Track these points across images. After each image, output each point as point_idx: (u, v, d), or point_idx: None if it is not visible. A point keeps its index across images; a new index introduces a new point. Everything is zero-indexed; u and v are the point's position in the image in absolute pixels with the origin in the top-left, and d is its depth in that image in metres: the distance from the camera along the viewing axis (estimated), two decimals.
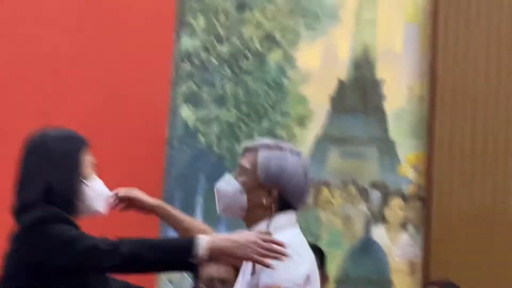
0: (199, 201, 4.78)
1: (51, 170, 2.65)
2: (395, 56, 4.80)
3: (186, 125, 4.88)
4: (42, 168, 2.66)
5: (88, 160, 2.76)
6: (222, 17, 4.86)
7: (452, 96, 4.61)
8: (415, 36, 4.80)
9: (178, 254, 2.50)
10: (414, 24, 4.81)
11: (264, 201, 2.76)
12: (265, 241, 2.59)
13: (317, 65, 4.84)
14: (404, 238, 4.76)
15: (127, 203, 2.90)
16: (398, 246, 4.74)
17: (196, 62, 4.86)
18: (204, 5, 4.88)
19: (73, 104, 4.60)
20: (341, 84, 4.83)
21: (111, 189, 2.83)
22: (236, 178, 2.83)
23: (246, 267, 2.75)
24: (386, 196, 4.79)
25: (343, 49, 4.83)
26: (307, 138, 4.77)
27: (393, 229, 4.77)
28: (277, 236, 2.69)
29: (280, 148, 2.81)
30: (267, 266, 2.54)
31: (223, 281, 3.84)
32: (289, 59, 4.85)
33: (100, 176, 2.79)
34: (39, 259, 2.59)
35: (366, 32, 4.84)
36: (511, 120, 4.59)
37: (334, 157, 4.81)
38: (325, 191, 4.76)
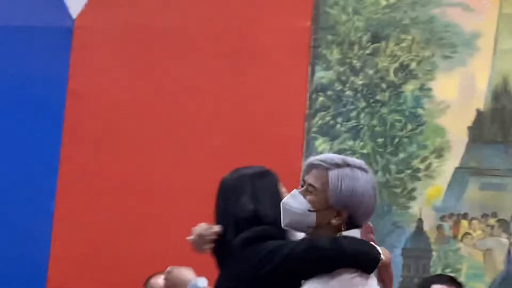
0: None
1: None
2: None
3: None
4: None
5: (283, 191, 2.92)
6: (356, 49, 4.85)
7: None
8: None
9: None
10: None
11: (334, 221, 2.72)
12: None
13: (455, 96, 4.81)
14: None
15: None
16: None
17: (331, 94, 4.87)
18: (338, 36, 4.90)
19: (209, 138, 4.76)
20: (480, 115, 4.77)
21: None
22: (304, 196, 2.78)
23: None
24: None
25: (481, 79, 4.77)
26: (446, 169, 4.73)
27: None
28: None
29: (350, 166, 2.75)
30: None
31: None
32: (425, 90, 4.82)
33: None
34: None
35: (505, 61, 4.76)
36: None
37: (473, 189, 4.73)
38: (464, 224, 4.67)
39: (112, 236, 4.86)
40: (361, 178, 2.75)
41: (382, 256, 2.72)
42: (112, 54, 5.08)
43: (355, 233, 2.77)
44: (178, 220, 4.38)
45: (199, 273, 2.99)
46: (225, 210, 2.97)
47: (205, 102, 4.94)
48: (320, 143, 4.87)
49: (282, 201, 2.84)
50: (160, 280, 4.18)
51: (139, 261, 4.68)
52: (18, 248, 5.11)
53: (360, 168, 2.77)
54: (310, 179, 2.78)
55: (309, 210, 2.76)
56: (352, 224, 2.76)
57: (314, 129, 4.92)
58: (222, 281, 2.89)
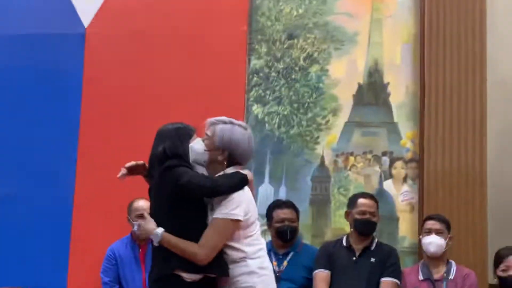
0: (267, 168, 5.25)
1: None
2: (396, 67, 5.23)
3: (256, 118, 5.31)
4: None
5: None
6: (278, 44, 5.35)
7: (436, 93, 5.07)
8: (409, 52, 5.20)
9: None
10: (408, 44, 5.23)
11: (219, 158, 3.42)
12: None
13: (343, 74, 5.28)
14: (406, 188, 5.15)
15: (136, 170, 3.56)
16: (401, 194, 5.12)
17: (262, 75, 5.34)
18: (265, 36, 5.37)
19: (185, 113, 4.76)
20: (360, 86, 5.30)
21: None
22: (203, 141, 3.44)
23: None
24: (392, 160, 5.21)
25: (361, 63, 5.23)
26: (338, 123, 5.25)
27: (397, 182, 5.17)
28: None
29: (232, 123, 3.43)
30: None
31: (291, 220, 4.66)
32: (324, 71, 5.31)
33: None
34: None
35: (376, 50, 5.27)
36: None
37: (357, 136, 5.21)
38: (351, 159, 5.20)
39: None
40: (238, 131, 3.42)
41: (248, 176, 3.34)
42: (118, 53, 5.36)
43: (236, 168, 3.37)
44: None
45: None
46: (151, 152, 3.50)
47: (178, 85, 5.27)
48: (256, 108, 5.28)
49: (190, 144, 3.42)
50: (141, 202, 4.58)
51: None
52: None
53: (240, 125, 3.44)
54: (207, 130, 3.45)
55: (204, 150, 3.44)
56: (234, 161, 3.43)
57: (251, 99, 5.30)
58: (153, 200, 3.46)
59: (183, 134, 3.42)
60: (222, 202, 3.31)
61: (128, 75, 5.32)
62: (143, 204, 4.59)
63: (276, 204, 4.62)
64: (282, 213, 4.52)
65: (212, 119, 3.44)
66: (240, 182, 3.33)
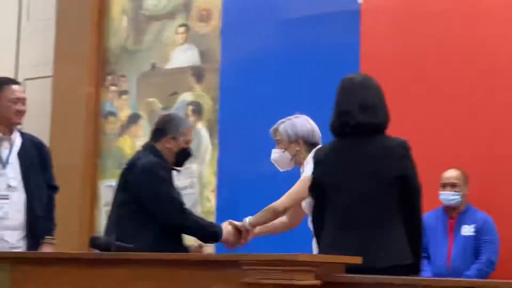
0: None
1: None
2: None
3: None
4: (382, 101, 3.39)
5: None
6: None
7: None
8: None
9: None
10: None
11: (297, 149, 3.92)
12: None
13: None
14: None
15: None
16: None
17: None
18: None
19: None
20: None
21: None
22: (278, 147, 3.99)
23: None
24: None
25: None
26: None
27: None
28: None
29: (288, 119, 3.99)
30: None
31: None
32: None
33: None
34: None
35: None
36: None
37: None
38: None
39: None
40: (296, 121, 3.98)
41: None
42: (393, 26, 5.44)
43: (315, 148, 3.72)
44: None
45: None
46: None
47: (458, 60, 5.21)
48: None
49: (271, 158, 4.02)
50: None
51: None
52: None
53: (295, 117, 4.00)
54: (275, 138, 4.03)
55: (283, 152, 3.98)
56: (311, 144, 3.89)
57: None
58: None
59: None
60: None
61: (404, 49, 5.39)
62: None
63: None
64: None
65: (272, 128, 4.04)
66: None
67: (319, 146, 3.79)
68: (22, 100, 4.47)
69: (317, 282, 2.56)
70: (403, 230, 3.18)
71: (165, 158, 4.04)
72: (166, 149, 4.07)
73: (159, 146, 4.07)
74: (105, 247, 3.08)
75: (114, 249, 3.10)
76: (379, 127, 3.28)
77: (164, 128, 4.10)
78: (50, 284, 3.06)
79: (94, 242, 3.10)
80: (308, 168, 3.71)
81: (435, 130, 5.24)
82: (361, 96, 3.29)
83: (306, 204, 3.80)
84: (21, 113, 4.46)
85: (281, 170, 3.99)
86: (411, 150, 3.25)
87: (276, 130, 4.04)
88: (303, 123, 4.00)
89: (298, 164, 3.98)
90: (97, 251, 3.22)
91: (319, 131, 3.96)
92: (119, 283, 2.87)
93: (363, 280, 2.61)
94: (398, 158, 3.19)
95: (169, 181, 3.95)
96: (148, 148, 4.07)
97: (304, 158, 3.91)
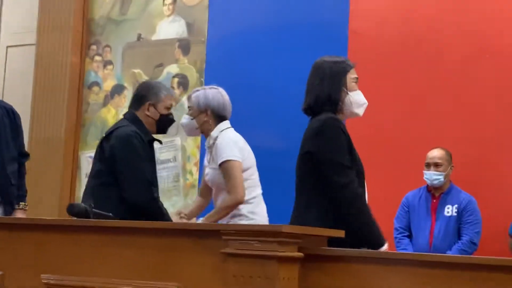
0: None
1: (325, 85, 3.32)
2: None
3: None
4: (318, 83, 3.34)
5: (351, 77, 3.36)
6: None
7: None
8: None
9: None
10: None
11: (205, 119, 4.09)
12: None
13: None
14: None
15: None
16: None
17: None
18: None
19: None
20: None
21: None
22: (188, 114, 4.16)
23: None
24: None
25: None
26: None
27: None
28: (223, 135, 4.00)
29: (203, 89, 4.16)
30: None
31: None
32: None
33: None
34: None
35: None
36: None
37: None
38: None
39: None
40: (210, 92, 4.18)
41: None
42: (384, 6, 5.36)
43: (223, 122, 4.08)
44: None
45: None
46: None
47: (455, 44, 5.14)
48: None
49: (180, 122, 4.21)
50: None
51: None
52: None
53: (210, 88, 4.19)
54: (188, 104, 4.26)
55: (191, 119, 4.17)
56: (219, 116, 4.13)
57: None
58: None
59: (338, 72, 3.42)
60: (220, 148, 4.01)
61: (394, 29, 5.39)
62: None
63: None
64: None
65: (187, 95, 4.30)
66: None
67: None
68: None
69: (300, 254, 2.53)
70: (321, 202, 3.19)
71: (146, 127, 3.97)
72: (146, 116, 4.00)
73: (139, 114, 4.01)
74: (84, 215, 3.02)
75: (93, 216, 3.04)
76: (310, 110, 3.36)
77: (143, 95, 4.04)
78: (29, 250, 3.00)
79: (72, 210, 3.03)
80: (229, 151, 3.99)
81: (421, 110, 5.24)
82: (307, 81, 3.42)
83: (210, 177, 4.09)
84: None
85: (187, 136, 4.36)
86: (332, 126, 3.25)
87: (189, 97, 4.22)
88: (216, 95, 4.13)
89: (204, 133, 4.18)
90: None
91: (230, 106, 4.12)
92: (98, 250, 2.83)
93: (347, 253, 2.58)
94: (311, 136, 3.25)
95: (143, 155, 3.86)
96: (128, 116, 4.00)
97: (210, 129, 4.11)
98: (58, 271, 2.86)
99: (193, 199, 5.59)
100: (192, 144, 6.07)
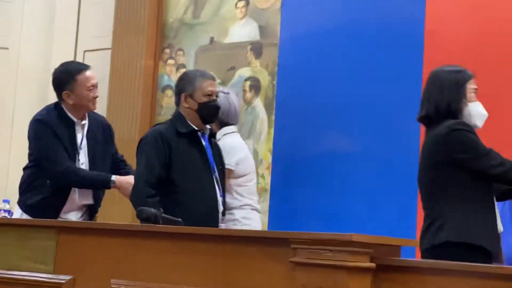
0: None
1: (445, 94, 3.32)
2: None
3: None
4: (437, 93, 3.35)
5: (471, 87, 3.37)
6: None
7: None
8: None
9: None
10: None
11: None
12: None
13: None
14: None
15: None
16: None
17: None
18: None
19: None
20: None
21: None
22: None
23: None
24: None
25: None
26: None
27: None
28: (224, 140, 4.14)
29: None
30: None
31: None
32: None
33: None
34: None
35: None
36: None
37: None
38: None
39: None
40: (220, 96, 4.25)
41: None
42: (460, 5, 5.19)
43: (227, 127, 4.31)
44: None
45: None
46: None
47: None
48: None
49: None
50: None
51: None
52: None
53: (221, 92, 4.33)
54: None
55: None
56: (224, 122, 4.40)
57: None
58: None
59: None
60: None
61: (472, 29, 5.18)
62: None
63: None
64: None
65: None
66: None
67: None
68: (96, 86, 4.29)
69: (372, 265, 2.45)
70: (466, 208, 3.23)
71: (186, 120, 3.82)
72: (186, 109, 3.86)
73: (180, 108, 3.88)
74: (154, 220, 3.01)
75: (162, 221, 3.03)
76: (428, 119, 3.38)
77: (178, 88, 3.89)
78: (99, 254, 3.01)
79: (141, 214, 3.02)
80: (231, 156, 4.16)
81: (498, 112, 4.95)
82: (424, 90, 3.46)
83: None
84: (96, 99, 4.27)
85: None
86: (466, 132, 3.25)
87: None
88: (223, 100, 4.12)
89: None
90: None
91: (237, 112, 4.23)
92: (167, 256, 2.81)
93: (421, 264, 2.48)
94: (443, 143, 3.25)
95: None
96: (173, 114, 3.95)
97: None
98: (128, 277, 2.85)
99: (265, 203, 5.56)
100: (264, 148, 6.02)
